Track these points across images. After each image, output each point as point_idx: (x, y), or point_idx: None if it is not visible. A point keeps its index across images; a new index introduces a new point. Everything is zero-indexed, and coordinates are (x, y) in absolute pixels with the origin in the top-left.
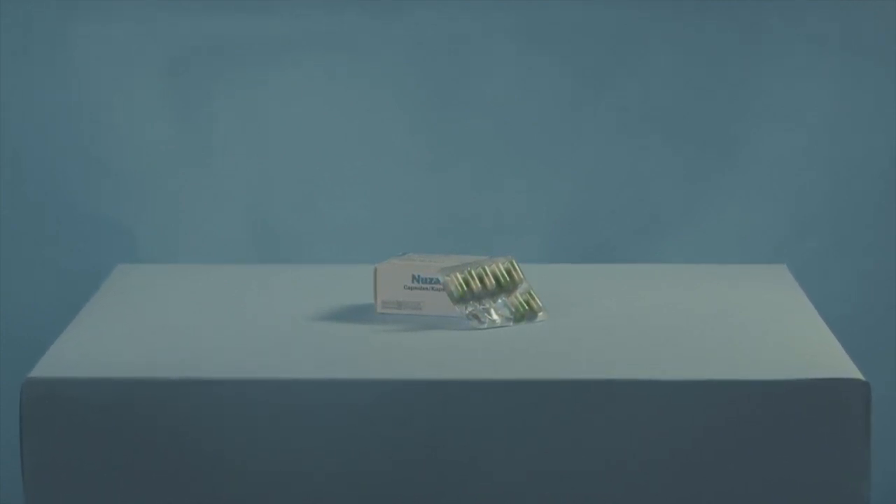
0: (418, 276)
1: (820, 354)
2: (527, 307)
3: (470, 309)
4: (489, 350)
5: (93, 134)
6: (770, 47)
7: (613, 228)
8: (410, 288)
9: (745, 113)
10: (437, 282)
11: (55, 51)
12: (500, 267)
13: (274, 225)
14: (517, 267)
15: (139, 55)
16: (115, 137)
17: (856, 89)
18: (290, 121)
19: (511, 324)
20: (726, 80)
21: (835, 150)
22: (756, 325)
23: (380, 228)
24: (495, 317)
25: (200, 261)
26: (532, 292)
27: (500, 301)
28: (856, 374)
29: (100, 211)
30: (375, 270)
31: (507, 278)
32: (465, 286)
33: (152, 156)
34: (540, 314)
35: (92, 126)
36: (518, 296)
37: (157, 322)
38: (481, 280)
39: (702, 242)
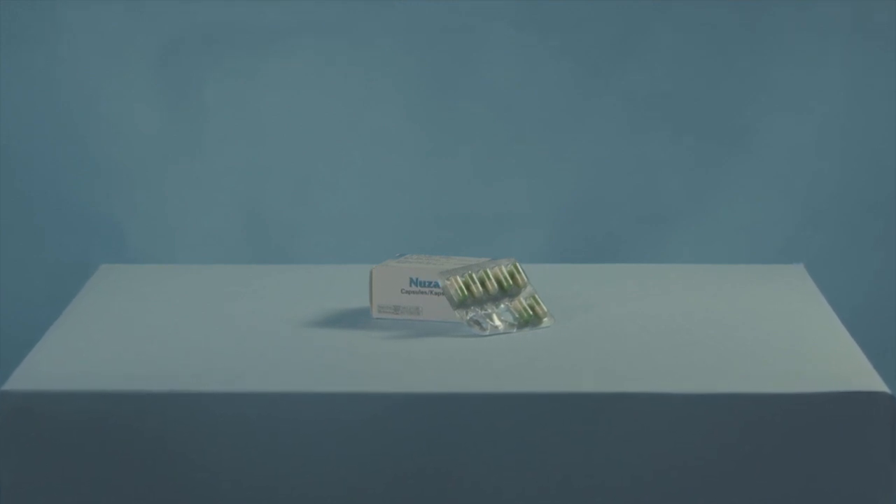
0: (416, 279)
1: (842, 365)
2: (531, 312)
3: (471, 314)
4: (491, 359)
5: (80, 124)
6: (779, 33)
7: (619, 220)
8: (408, 292)
9: (754, 102)
10: (437, 285)
11: (42, 38)
12: (503, 270)
13: (268, 218)
14: (521, 270)
15: (128, 42)
16: (104, 128)
17: (867, 76)
18: (284, 111)
19: (514, 330)
20: (734, 68)
21: (846, 139)
22: (774, 332)
23: (377, 221)
24: (498, 323)
25: (191, 255)
26: (536, 297)
27: (502, 306)
28: (881, 386)
29: (87, 204)
30: (371, 273)
31: (511, 282)
32: (465, 290)
33: (142, 147)
34: (545, 320)
35: (79, 116)
36: (522, 300)
37: (141, 329)
38: (483, 284)
39: (710, 234)
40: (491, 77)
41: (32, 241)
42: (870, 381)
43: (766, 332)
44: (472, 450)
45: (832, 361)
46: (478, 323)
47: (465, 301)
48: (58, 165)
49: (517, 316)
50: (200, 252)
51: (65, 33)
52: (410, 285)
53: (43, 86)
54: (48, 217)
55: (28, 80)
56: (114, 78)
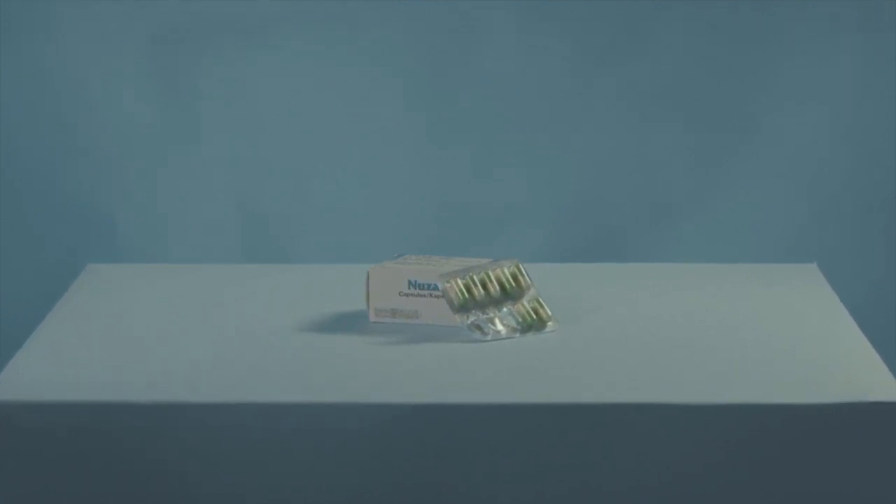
0: (415, 281)
1: (860, 373)
2: (535, 316)
3: (472, 318)
4: (493, 366)
5: (72, 117)
6: (785, 28)
7: (622, 217)
8: (406, 294)
9: (760, 96)
10: (436, 288)
11: (33, 29)
12: (505, 272)
13: (263, 213)
14: (524, 272)
15: (121, 31)
16: (96, 121)
17: (874, 70)
18: (280, 104)
19: (517, 335)
20: (741, 59)
21: (854, 134)
22: (788, 338)
23: (375, 216)
24: (500, 327)
25: (185, 250)
26: (540, 300)
27: (505, 310)
28: None
29: (79, 199)
30: (368, 275)
31: (513, 284)
32: (466, 293)
33: (135, 141)
34: (549, 324)
35: (71, 109)
36: (525, 304)
37: (128, 335)
38: (484, 286)
39: (715, 231)
40: (492, 71)
41: (22, 236)
42: (890, 389)
43: (780, 337)
44: (473, 463)
45: (850, 369)
46: (479, 327)
47: (466, 304)
48: (49, 159)
49: (520, 320)
50: (194, 247)
51: (56, 24)
52: (409, 288)
53: (34, 77)
54: (38, 211)
55: (19, 72)
56: (106, 69)
